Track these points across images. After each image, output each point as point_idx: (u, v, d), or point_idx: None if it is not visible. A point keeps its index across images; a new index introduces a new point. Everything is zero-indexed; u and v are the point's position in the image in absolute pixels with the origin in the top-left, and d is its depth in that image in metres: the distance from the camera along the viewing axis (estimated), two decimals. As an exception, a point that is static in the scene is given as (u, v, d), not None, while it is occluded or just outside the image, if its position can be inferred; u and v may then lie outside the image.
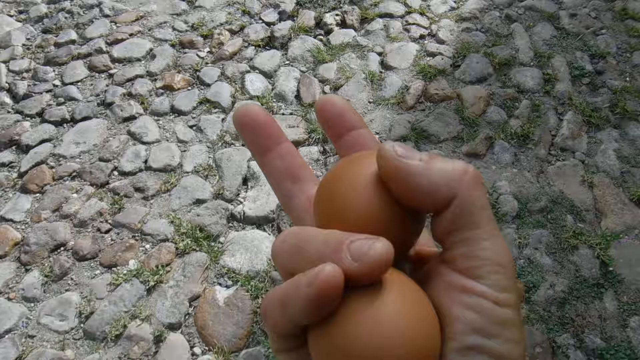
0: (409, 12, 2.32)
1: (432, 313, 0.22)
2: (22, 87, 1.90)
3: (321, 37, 2.23)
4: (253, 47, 2.13)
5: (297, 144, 1.78)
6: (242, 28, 2.20)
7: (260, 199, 1.62)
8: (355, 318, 0.20)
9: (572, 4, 2.54)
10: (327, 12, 2.31)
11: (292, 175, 0.28)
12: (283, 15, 2.28)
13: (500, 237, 0.22)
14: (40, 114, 1.85)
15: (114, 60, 2.01)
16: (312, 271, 0.20)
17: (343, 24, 2.28)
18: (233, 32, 2.18)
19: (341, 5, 2.34)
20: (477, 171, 0.23)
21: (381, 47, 2.16)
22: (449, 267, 0.22)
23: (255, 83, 1.97)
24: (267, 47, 2.16)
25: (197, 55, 2.05)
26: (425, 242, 0.27)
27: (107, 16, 2.20)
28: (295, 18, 2.29)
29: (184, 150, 1.73)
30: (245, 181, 1.67)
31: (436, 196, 0.22)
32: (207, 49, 2.10)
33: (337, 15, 2.29)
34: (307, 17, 2.29)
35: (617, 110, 1.98)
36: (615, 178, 1.74)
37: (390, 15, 2.29)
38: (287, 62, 2.10)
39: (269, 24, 2.22)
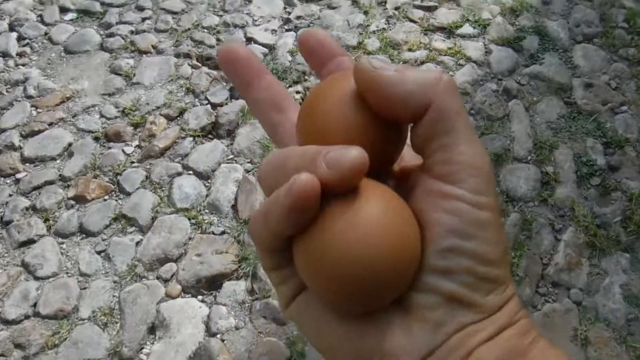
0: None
1: (411, 218, 0.23)
2: None
3: (275, 121, 2.00)
4: (191, 139, 1.93)
5: (223, 276, 1.56)
6: (181, 112, 2.00)
7: (168, 356, 1.40)
8: (333, 224, 0.22)
9: (589, 69, 2.24)
10: (288, 87, 2.08)
11: (276, 105, 0.30)
12: (235, 93, 2.07)
13: (477, 141, 0.24)
14: None
15: (25, 159, 1.85)
16: (289, 181, 0.21)
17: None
18: (170, 119, 1.98)
19: (306, 77, 2.11)
20: (451, 78, 0.25)
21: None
22: (428, 175, 0.24)
23: (185, 189, 1.77)
24: (209, 136, 1.95)
25: (123, 151, 1.87)
26: (410, 160, 0.28)
27: (30, 97, 2.04)
28: (247, 96, 2.07)
29: (84, 288, 1.53)
30: (152, 330, 1.46)
31: (412, 104, 0.24)
32: (136, 142, 1.91)
33: (297, 92, 2.07)
34: (262, 95, 2.06)
35: (631, 227, 1.68)
36: (618, 329, 1.45)
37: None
38: (231, 156, 1.89)
39: (215, 106, 2.02)
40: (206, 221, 1.70)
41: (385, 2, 2.42)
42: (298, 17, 2.37)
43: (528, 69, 2.22)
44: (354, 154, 0.21)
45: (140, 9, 2.39)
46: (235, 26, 2.32)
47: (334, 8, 2.41)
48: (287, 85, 2.10)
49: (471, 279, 0.23)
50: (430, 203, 0.24)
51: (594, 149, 1.95)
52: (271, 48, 2.24)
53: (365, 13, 2.37)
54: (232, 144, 1.94)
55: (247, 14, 2.39)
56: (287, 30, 2.32)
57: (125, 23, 2.33)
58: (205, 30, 2.29)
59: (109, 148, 1.90)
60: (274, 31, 2.31)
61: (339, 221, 0.22)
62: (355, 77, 0.25)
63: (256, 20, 2.36)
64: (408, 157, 0.28)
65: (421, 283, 0.24)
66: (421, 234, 0.24)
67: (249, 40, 2.26)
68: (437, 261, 0.23)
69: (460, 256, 0.23)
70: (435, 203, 0.24)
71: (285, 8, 2.43)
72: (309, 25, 2.34)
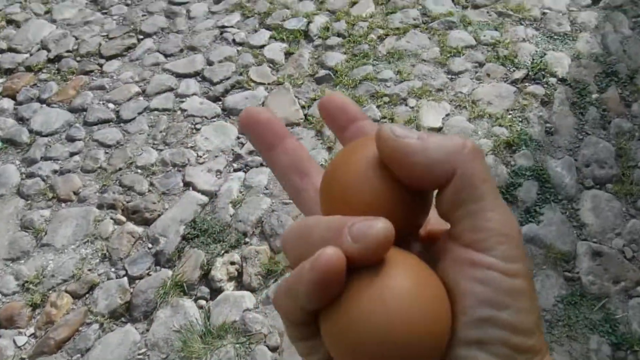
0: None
1: (440, 289, 0.24)
2: None
3: (204, 300, 1.75)
4: (97, 325, 1.68)
5: None
6: (91, 288, 1.77)
7: None
8: (360, 299, 0.23)
9: (600, 229, 1.93)
10: (223, 255, 1.83)
11: (298, 169, 0.31)
12: (161, 258, 1.84)
13: (505, 207, 0.25)
14: None
15: None
16: (314, 255, 0.22)
17: (239, 280, 1.79)
18: (76, 296, 1.76)
19: (246, 239, 1.87)
20: (476, 144, 0.26)
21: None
22: (457, 243, 0.25)
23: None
24: (122, 320, 1.71)
25: (14, 343, 1.63)
26: (437, 222, 0.29)
27: None
28: (177, 263, 1.83)
29: None
30: None
31: (436, 172, 0.25)
32: (31, 330, 1.67)
33: (232, 263, 1.81)
34: (193, 262, 1.82)
35: None
36: None
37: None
38: (144, 349, 1.64)
39: (132, 279, 1.78)
40: None
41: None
42: (250, 152, 2.14)
43: (522, 230, 1.91)
44: (380, 227, 0.23)
45: (71, 139, 2.22)
46: (174, 165, 2.11)
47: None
48: (224, 250, 1.85)
49: (506, 350, 0.24)
50: (459, 272, 0.25)
51: (599, 353, 1.62)
52: (212, 196, 2.01)
53: (329, 149, 2.13)
54: (147, 330, 1.68)
55: (191, 147, 2.18)
56: (234, 171, 2.10)
57: (50, 159, 2.15)
58: (139, 171, 2.09)
59: (-3, 339, 1.66)
60: (218, 173, 2.09)
61: (366, 296, 0.23)
62: (377, 145, 0.26)
63: (201, 156, 2.15)
64: (434, 219, 0.29)
65: (454, 356, 0.24)
66: (451, 304, 0.24)
67: (187, 185, 2.04)
68: (470, 333, 0.24)
69: (494, 327, 0.24)
70: (465, 272, 0.24)
71: (238, 139, 2.22)
72: (261, 164, 2.11)
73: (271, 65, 2.54)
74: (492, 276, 0.24)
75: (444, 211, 0.26)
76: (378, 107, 2.28)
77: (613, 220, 1.95)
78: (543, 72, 2.46)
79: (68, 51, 2.61)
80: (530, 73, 2.47)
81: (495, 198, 0.25)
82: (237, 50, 2.60)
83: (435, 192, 0.26)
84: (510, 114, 2.30)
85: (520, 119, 2.29)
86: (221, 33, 2.69)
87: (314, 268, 0.22)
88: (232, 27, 2.72)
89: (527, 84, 2.43)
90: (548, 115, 2.30)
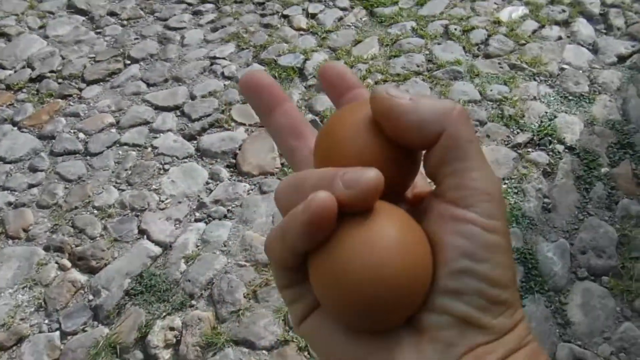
0: None
1: (423, 239, 0.27)
2: None
3: (136, 367, 1.66)
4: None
5: None
6: (19, 340, 1.71)
7: None
8: (349, 242, 0.25)
9: (586, 330, 1.77)
10: (164, 317, 1.74)
11: (294, 131, 0.34)
12: (99, 313, 1.76)
13: (488, 167, 0.27)
14: None
15: None
16: (307, 199, 0.24)
17: (176, 348, 1.69)
18: (2, 348, 1.68)
19: (192, 302, 1.77)
20: (464, 108, 0.28)
21: None
22: (441, 200, 0.27)
23: None
24: (45, 380, 1.62)
25: None
26: (423, 187, 0.32)
27: None
28: (115, 321, 1.74)
29: None
30: None
31: (426, 131, 0.27)
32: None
33: (171, 329, 1.72)
34: (131, 322, 1.73)
35: None
36: None
37: None
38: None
39: (65, 335, 1.70)
40: None
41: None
42: (216, 201, 2.05)
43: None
44: (371, 175, 0.25)
45: (34, 169, 2.18)
46: (133, 209, 2.04)
47: (264, 192, 2.08)
48: (166, 313, 1.76)
49: (482, 301, 0.26)
50: (442, 226, 0.27)
51: None
52: (166, 248, 1.92)
53: (298, 207, 2.01)
54: (71, 396, 1.60)
55: (155, 189, 2.11)
56: (195, 221, 2.01)
57: (8, 189, 2.11)
58: (95, 212, 2.03)
59: None
60: (177, 222, 2.00)
61: (355, 240, 0.25)
62: (371, 104, 0.28)
63: (163, 201, 2.07)
64: (421, 184, 0.32)
65: (432, 304, 0.26)
66: (433, 255, 0.26)
67: (141, 232, 1.96)
68: (449, 282, 0.26)
69: (471, 278, 0.25)
70: (447, 226, 0.26)
71: (207, 184, 2.13)
72: (225, 216, 2.01)
73: (257, 104, 2.45)
74: (473, 230, 0.26)
75: (431, 170, 0.28)
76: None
77: (604, 321, 1.76)
78: (550, 138, 2.29)
79: (52, 71, 2.59)
80: (535, 137, 2.30)
81: (479, 158, 0.27)
82: (224, 85, 2.53)
83: (423, 153, 0.29)
84: (505, 183, 2.14)
85: (516, 191, 2.12)
86: (211, 64, 2.62)
87: (306, 210, 0.24)
88: (223, 58, 2.65)
89: (529, 150, 2.27)
90: (548, 188, 2.13)
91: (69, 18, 2.93)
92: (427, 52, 2.68)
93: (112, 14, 2.96)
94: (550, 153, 2.25)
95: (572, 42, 2.79)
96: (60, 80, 2.56)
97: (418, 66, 2.61)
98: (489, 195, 0.26)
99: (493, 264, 0.25)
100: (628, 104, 2.48)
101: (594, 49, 2.75)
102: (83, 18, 2.95)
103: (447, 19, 2.86)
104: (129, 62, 2.65)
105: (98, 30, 2.86)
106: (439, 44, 2.71)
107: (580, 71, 2.61)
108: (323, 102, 2.42)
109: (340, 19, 2.91)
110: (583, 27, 2.87)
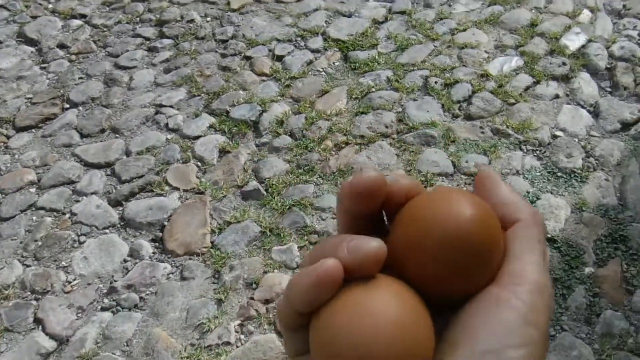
0: None
1: (425, 319, 0.27)
2: None
3: None
4: None
5: None
6: None
7: None
8: (347, 308, 0.26)
9: None
10: None
11: None
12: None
13: (546, 270, 0.29)
14: None
15: None
16: (316, 264, 0.27)
17: None
18: None
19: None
20: (543, 216, 0.34)
21: None
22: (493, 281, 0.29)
23: None
24: None
25: None
26: None
27: None
28: None
29: None
30: None
31: (522, 209, 0.31)
32: None
33: None
34: None
35: None
36: None
37: None
38: None
39: None
40: None
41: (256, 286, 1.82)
42: (129, 286, 1.84)
43: None
44: (373, 244, 0.27)
45: None
46: (33, 292, 1.84)
47: (184, 279, 1.85)
48: None
49: None
50: (484, 304, 0.27)
51: None
52: (61, 342, 1.72)
53: (219, 302, 1.78)
54: None
55: (63, 267, 1.91)
56: (101, 309, 1.81)
57: None
58: (-10, 294, 1.82)
59: None
60: (80, 310, 1.81)
61: (353, 306, 0.26)
62: (479, 175, 0.33)
63: (70, 282, 1.88)
64: None
65: None
66: (465, 331, 0.27)
67: (37, 322, 1.75)
68: (477, 357, 0.26)
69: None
70: (489, 306, 0.27)
71: (124, 262, 1.91)
72: (136, 305, 1.79)
73: (198, 164, 2.23)
74: (512, 318, 0.26)
75: None
76: (300, 248, 1.91)
77: None
78: (528, 225, 2.01)
79: (-17, 113, 2.42)
80: (511, 224, 2.02)
81: (542, 259, 0.29)
82: (166, 139, 2.31)
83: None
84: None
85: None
86: (156, 113, 2.41)
87: (313, 272, 0.27)
88: (171, 106, 2.44)
89: (502, 240, 1.99)
90: (518, 292, 1.85)
91: (16, 49, 2.76)
92: (400, 110, 2.42)
93: (62, 46, 2.78)
94: (526, 245, 1.97)
95: (571, 102, 2.50)
96: (-11, 125, 2.38)
97: (387, 127, 2.35)
98: (538, 291, 0.28)
99: (523, 355, 0.26)
100: (627, 184, 2.18)
101: (595, 112, 2.45)
102: (32, 49, 2.78)
103: (428, 68, 2.59)
104: (67, 106, 2.46)
105: (43, 65, 2.68)
106: (414, 99, 2.45)
107: (576, 140, 2.31)
108: (272, 167, 2.19)
109: (310, 62, 2.67)
110: (585, 84, 2.57)
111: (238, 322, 1.73)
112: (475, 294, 0.29)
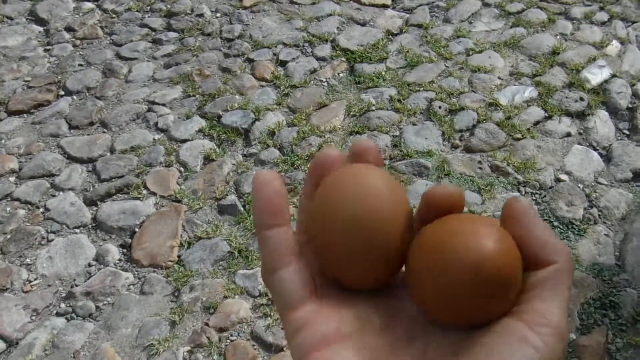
0: None
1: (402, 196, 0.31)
2: None
3: None
4: None
5: None
6: None
7: None
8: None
9: None
10: None
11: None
12: None
13: (567, 315, 0.29)
14: None
15: None
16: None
17: None
18: None
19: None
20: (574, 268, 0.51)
21: None
22: (517, 317, 0.28)
23: None
24: None
25: None
26: None
27: None
28: None
29: None
30: None
31: (547, 251, 0.29)
32: None
33: None
34: None
35: None
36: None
37: None
38: None
39: None
40: None
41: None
42: (87, 293, 1.76)
43: None
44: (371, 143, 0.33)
45: None
46: (-8, 289, 1.75)
47: (143, 293, 1.75)
48: None
49: None
50: (507, 340, 0.27)
51: None
52: (10, 345, 1.66)
53: (173, 324, 1.67)
54: None
55: (27, 265, 1.86)
56: (56, 315, 1.74)
57: None
58: (-49, 284, 1.76)
59: None
60: (35, 313, 1.75)
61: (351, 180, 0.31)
62: (508, 205, 0.31)
63: (31, 282, 1.82)
64: None
65: None
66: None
67: (-10, 322, 1.68)
68: None
69: None
70: (512, 342, 0.27)
71: (88, 266, 1.82)
72: (91, 315, 1.70)
73: (181, 170, 2.11)
74: (533, 357, 0.26)
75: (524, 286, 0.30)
76: (266, 274, 1.78)
77: None
78: (512, 277, 1.82)
79: (-21, 92, 2.34)
80: (493, 273, 1.84)
81: (567, 305, 0.29)
82: (153, 139, 2.20)
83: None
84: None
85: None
86: (148, 110, 2.29)
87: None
88: (164, 105, 2.31)
89: (481, 290, 1.81)
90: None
91: (24, 27, 2.67)
92: (397, 134, 2.23)
93: (69, 28, 2.69)
94: (506, 299, 1.78)
95: (583, 143, 2.26)
96: (-17, 105, 2.31)
97: (380, 151, 2.17)
98: (560, 336, 0.27)
99: None
100: (629, 242, 1.96)
101: (607, 157, 2.21)
102: (40, 29, 2.69)
103: (435, 90, 2.39)
104: (62, 93, 2.36)
105: (47, 48, 2.59)
106: (414, 124, 2.26)
107: (581, 186, 2.09)
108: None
109: (314, 71, 2.50)
110: (601, 124, 2.33)
111: (187, 348, 1.63)
112: (498, 323, 0.29)
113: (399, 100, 2.37)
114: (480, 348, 0.28)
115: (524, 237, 0.29)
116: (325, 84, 2.48)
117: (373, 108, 2.35)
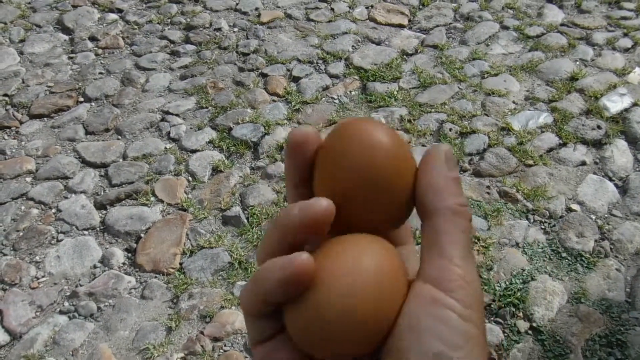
0: None
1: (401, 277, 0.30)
2: None
3: None
4: None
5: None
6: None
7: None
8: (329, 287, 0.28)
9: None
10: None
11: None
12: None
13: (473, 260, 0.30)
14: None
15: None
16: (287, 257, 0.28)
17: None
18: None
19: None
20: (470, 210, 0.32)
21: None
22: (422, 279, 0.29)
23: None
24: None
25: None
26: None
27: None
28: None
29: None
30: None
31: (438, 198, 0.30)
32: None
33: None
34: None
35: None
36: None
37: None
38: None
39: None
40: None
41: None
42: (90, 294, 1.87)
43: None
44: (323, 203, 0.29)
45: None
46: (2, 282, 1.89)
47: (144, 298, 1.86)
48: None
49: None
50: (420, 307, 0.28)
51: None
52: (14, 338, 1.79)
53: (169, 330, 1.77)
54: None
55: (36, 262, 1.97)
56: (59, 313, 1.88)
57: None
58: (-37, 277, 1.90)
59: None
60: (39, 309, 1.89)
61: (336, 284, 0.28)
62: (428, 150, 0.34)
63: (38, 279, 1.95)
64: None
65: None
66: (411, 336, 0.28)
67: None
68: None
69: None
70: (426, 308, 0.28)
71: (94, 267, 1.95)
72: (92, 315, 1.82)
73: (189, 179, 2.23)
74: (451, 317, 0.27)
75: (422, 243, 0.30)
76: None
77: None
78: (514, 308, 1.85)
79: (5, 94, 2.53)
80: (495, 303, 1.87)
81: (467, 249, 0.29)
82: (165, 148, 2.34)
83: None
84: None
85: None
86: (161, 119, 2.43)
87: (286, 266, 0.27)
88: (177, 115, 2.45)
89: (479, 315, 1.85)
90: (481, 377, 1.72)
91: (51, 35, 2.88)
92: (406, 154, 2.31)
93: (93, 38, 2.88)
94: (507, 331, 1.81)
95: (598, 173, 2.29)
96: (7, 107, 2.49)
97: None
98: (469, 285, 0.28)
99: (466, 353, 0.26)
100: None
101: (624, 188, 2.23)
102: (65, 38, 2.89)
103: (447, 112, 2.47)
104: (82, 99, 2.54)
105: (71, 55, 2.79)
106: (423, 145, 2.33)
107: (593, 217, 2.12)
108: (259, 194, 2.16)
109: (326, 88, 2.61)
110: (619, 154, 2.35)
111: (181, 354, 1.72)
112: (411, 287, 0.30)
113: (409, 121, 2.45)
114: (402, 320, 0.28)
115: (421, 181, 0.31)
116: (337, 101, 2.59)
117: (383, 127, 2.43)
